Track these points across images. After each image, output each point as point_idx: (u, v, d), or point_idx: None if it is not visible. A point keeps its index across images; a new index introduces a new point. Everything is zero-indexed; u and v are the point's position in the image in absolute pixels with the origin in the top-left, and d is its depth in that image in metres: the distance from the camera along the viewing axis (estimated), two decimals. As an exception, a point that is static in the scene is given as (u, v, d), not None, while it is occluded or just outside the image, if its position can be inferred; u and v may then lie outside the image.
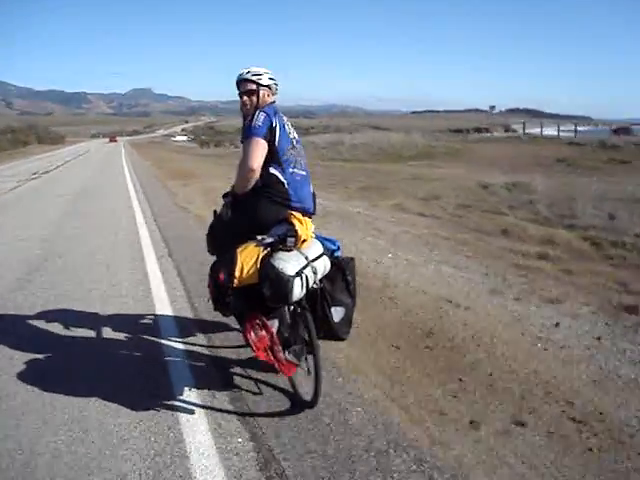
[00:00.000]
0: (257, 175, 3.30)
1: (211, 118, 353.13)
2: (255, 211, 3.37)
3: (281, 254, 3.14)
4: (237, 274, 3.11)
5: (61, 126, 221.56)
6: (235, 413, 3.41)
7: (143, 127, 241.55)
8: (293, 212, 3.32)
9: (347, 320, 3.48)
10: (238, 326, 3.79)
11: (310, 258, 3.22)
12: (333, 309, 3.38)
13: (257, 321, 3.15)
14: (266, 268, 3.07)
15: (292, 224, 3.24)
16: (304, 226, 3.29)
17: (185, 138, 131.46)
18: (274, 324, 3.21)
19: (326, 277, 3.43)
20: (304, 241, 3.28)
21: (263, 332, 3.12)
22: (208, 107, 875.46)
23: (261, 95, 3.50)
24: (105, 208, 13.26)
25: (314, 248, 3.34)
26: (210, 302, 3.56)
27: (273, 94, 3.60)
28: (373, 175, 20.78)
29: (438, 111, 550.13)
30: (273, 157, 3.31)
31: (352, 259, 3.60)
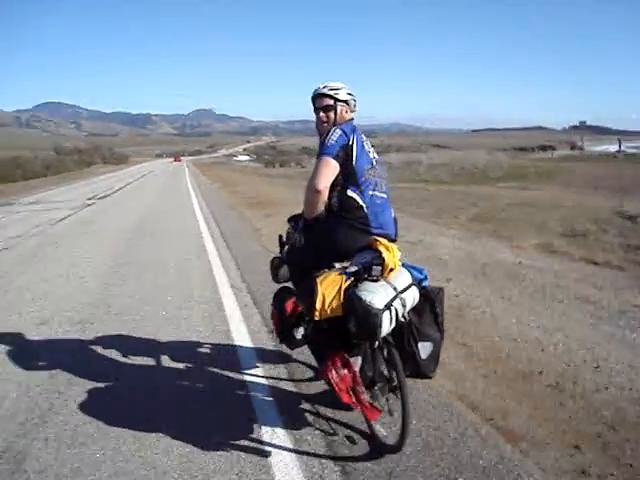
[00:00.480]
0: (324, 197, 3.04)
1: (272, 138, 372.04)
2: (332, 237, 3.07)
3: (367, 285, 2.85)
4: (318, 306, 2.83)
5: (126, 147, 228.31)
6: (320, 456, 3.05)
7: (205, 147, 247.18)
8: (378, 238, 3.01)
9: (434, 356, 3.06)
10: (312, 361, 3.59)
11: (399, 289, 2.89)
12: (420, 344, 3.00)
13: (338, 358, 2.87)
14: (351, 300, 2.77)
15: (378, 251, 2.94)
16: (391, 253, 2.95)
17: (247, 158, 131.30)
18: (357, 362, 2.96)
19: (413, 309, 3.05)
20: (391, 270, 2.95)
21: (345, 371, 2.84)
22: (268, 127, 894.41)
23: (339, 111, 3.24)
24: (170, 254, 9.47)
25: (402, 278, 2.99)
26: (274, 334, 3.63)
27: (352, 110, 3.33)
28: (470, 199, 18.33)
29: (498, 129, 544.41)
30: (350, 178, 3.03)
31: (441, 289, 3.16)
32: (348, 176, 3.03)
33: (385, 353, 2.99)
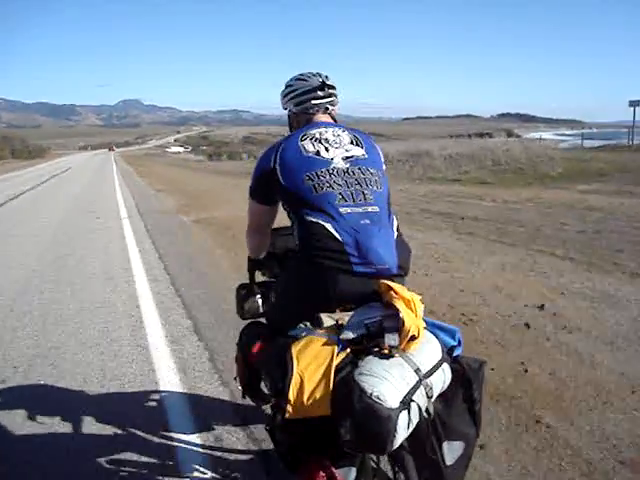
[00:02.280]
0: (258, 237, 2.51)
1: (203, 128, 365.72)
2: (298, 286, 2.08)
3: (374, 363, 1.68)
4: (292, 397, 1.65)
5: (50, 138, 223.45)
6: None
7: (134, 138, 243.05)
8: (390, 284, 1.83)
9: (464, 461, 1.91)
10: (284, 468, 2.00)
11: (423, 370, 1.72)
12: (446, 445, 1.85)
13: (321, 472, 1.80)
14: (348, 392, 1.61)
15: (391, 306, 1.75)
16: (413, 310, 1.75)
17: (181, 149, 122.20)
18: (349, 475, 1.86)
19: (440, 394, 1.87)
20: (413, 338, 1.73)
21: None
22: (198, 117, 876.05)
23: (290, 122, 2.52)
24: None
25: (429, 351, 1.80)
26: (237, 383, 2.77)
27: (286, 109, 2.50)
28: (589, 219, 10.16)
29: (430, 117, 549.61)
30: (294, 201, 2.09)
31: (482, 363, 1.96)
32: (290, 201, 2.11)
33: (392, 460, 1.94)
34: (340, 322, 1.84)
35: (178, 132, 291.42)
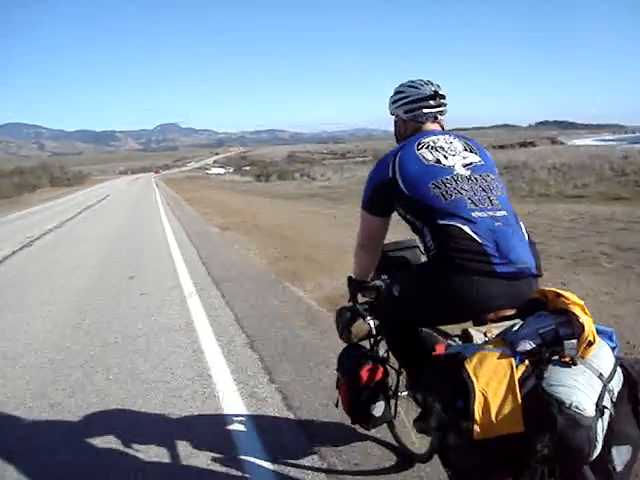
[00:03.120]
0: (370, 253, 2.49)
1: (240, 148, 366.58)
2: (432, 290, 2.04)
3: (559, 373, 1.60)
4: (478, 417, 1.57)
5: (90, 164, 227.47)
6: None
7: (173, 161, 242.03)
8: (557, 290, 1.76)
9: (631, 465, 1.75)
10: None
11: (605, 375, 1.65)
12: (615, 450, 1.69)
13: None
14: (543, 406, 1.53)
15: (563, 312, 1.69)
16: (588, 315, 1.68)
17: (222, 170, 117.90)
18: None
19: None
20: (590, 344, 1.64)
21: None
22: (234, 138, 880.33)
23: (398, 128, 2.51)
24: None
25: (604, 354, 1.72)
26: (339, 406, 2.78)
27: (406, 119, 2.43)
28: None
29: (467, 128, 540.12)
30: (424, 212, 2.09)
31: None
32: (417, 210, 2.11)
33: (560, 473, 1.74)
34: (489, 335, 1.82)
35: (216, 153, 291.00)
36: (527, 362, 1.64)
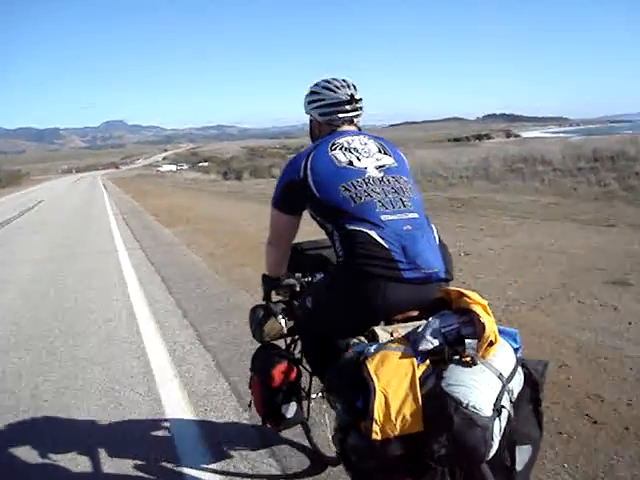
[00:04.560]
0: (279, 250, 2.42)
1: (190, 145, 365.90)
2: (341, 294, 2.00)
3: (459, 372, 1.59)
4: (378, 417, 1.55)
5: (34, 163, 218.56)
6: None
7: (120, 159, 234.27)
8: (461, 289, 1.78)
9: (531, 465, 1.83)
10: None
11: (505, 375, 1.65)
12: (517, 450, 1.74)
13: None
14: (441, 406, 1.52)
15: (466, 312, 1.70)
16: (490, 315, 1.70)
17: (174, 167, 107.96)
18: None
19: None
20: (491, 344, 1.67)
21: None
22: (182, 135, 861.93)
23: (310, 129, 2.47)
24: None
25: (505, 355, 1.73)
26: (251, 408, 2.79)
27: (316, 120, 2.38)
28: None
29: (417, 122, 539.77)
30: (333, 214, 2.04)
31: (545, 364, 1.89)
32: (327, 213, 2.07)
33: (461, 473, 1.78)
34: (395, 335, 1.78)
35: (165, 150, 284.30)
36: (428, 361, 1.62)
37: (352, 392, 1.62)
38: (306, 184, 2.07)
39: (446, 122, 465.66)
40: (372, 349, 1.68)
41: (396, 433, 1.54)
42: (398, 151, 2.27)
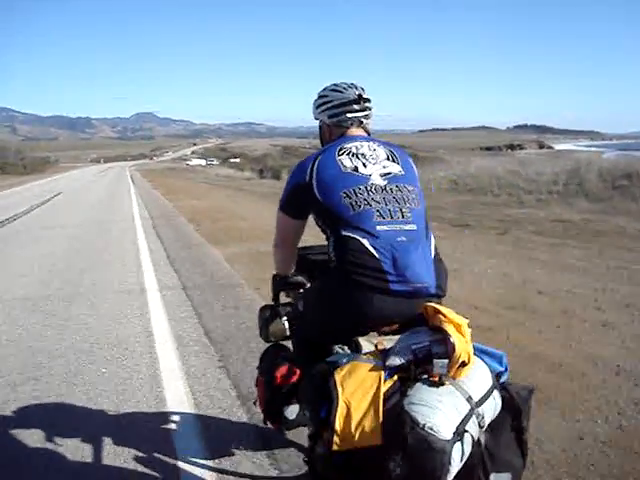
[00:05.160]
0: (285, 251, 2.40)
1: (219, 140, 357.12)
2: (332, 302, 1.98)
3: (423, 392, 1.58)
4: (339, 428, 1.55)
5: (64, 151, 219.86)
6: None
7: (149, 151, 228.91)
8: (437, 305, 1.74)
9: None
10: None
11: (475, 398, 1.60)
12: (493, 477, 1.69)
13: None
14: (399, 424, 1.51)
15: (439, 330, 1.66)
16: (463, 334, 1.63)
17: (203, 162, 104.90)
18: None
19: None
20: (463, 365, 1.63)
21: None
22: (211, 130, 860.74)
23: (322, 132, 2.41)
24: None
25: (479, 377, 1.69)
26: (257, 406, 2.78)
27: (333, 125, 2.31)
28: None
29: (446, 129, 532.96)
30: (333, 218, 2.03)
31: (531, 391, 1.85)
32: (327, 218, 2.06)
33: None
34: (380, 347, 1.76)
35: (194, 144, 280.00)
36: (396, 377, 1.61)
37: (318, 401, 1.64)
38: (311, 188, 2.05)
39: (475, 131, 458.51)
40: (345, 360, 1.70)
41: (355, 445, 1.53)
42: (408, 159, 2.22)
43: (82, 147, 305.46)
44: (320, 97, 2.32)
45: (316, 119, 2.38)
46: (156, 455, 3.03)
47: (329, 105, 2.27)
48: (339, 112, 2.25)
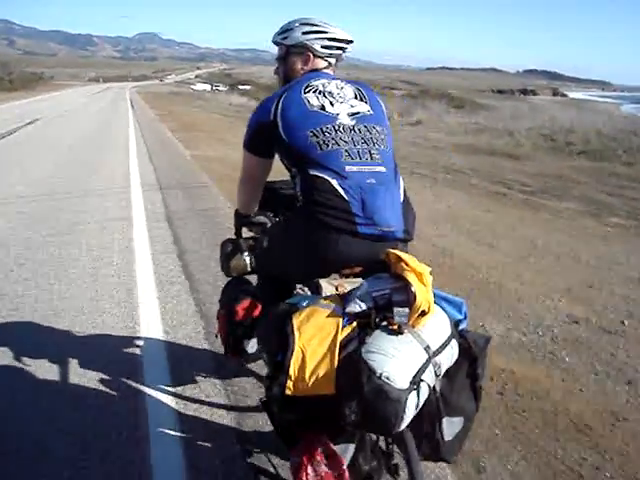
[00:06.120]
0: (250, 190, 2.36)
1: (223, 65, 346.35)
2: (297, 241, 1.95)
3: (382, 340, 1.55)
4: (293, 374, 1.55)
5: (63, 67, 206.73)
6: None
7: (152, 72, 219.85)
8: (400, 253, 1.69)
9: (463, 435, 1.85)
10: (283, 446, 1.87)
11: (432, 348, 1.61)
12: (446, 421, 1.77)
13: (318, 449, 1.70)
14: (355, 371, 1.50)
15: (400, 278, 1.64)
16: (424, 283, 1.62)
17: (208, 87, 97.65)
18: (347, 452, 1.77)
19: None
20: (423, 314, 1.62)
21: (326, 469, 1.68)
22: (216, 54, 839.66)
23: (290, 63, 2.24)
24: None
25: (438, 327, 1.68)
26: (219, 339, 2.79)
27: (319, 56, 2.21)
28: None
29: (454, 68, 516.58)
30: (299, 158, 1.95)
31: (488, 339, 1.86)
32: (293, 157, 1.98)
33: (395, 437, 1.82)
34: (340, 289, 1.71)
35: (198, 68, 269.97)
36: (355, 324, 1.59)
37: (276, 344, 1.60)
38: (275, 127, 1.97)
39: (484, 72, 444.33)
40: (304, 303, 1.67)
41: (308, 392, 1.53)
42: (377, 98, 2.14)
43: (82, 65, 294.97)
44: (311, 24, 2.17)
45: (292, 45, 2.17)
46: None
47: (325, 35, 2.17)
48: (333, 46, 2.19)
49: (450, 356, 1.65)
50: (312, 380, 1.50)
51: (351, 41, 2.21)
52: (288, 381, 1.51)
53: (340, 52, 2.21)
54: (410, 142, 15.57)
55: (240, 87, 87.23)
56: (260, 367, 2.98)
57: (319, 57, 2.16)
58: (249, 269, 2.54)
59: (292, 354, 1.51)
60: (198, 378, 3.08)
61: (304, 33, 2.15)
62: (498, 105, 44.91)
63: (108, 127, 19.36)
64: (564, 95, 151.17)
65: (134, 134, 16.27)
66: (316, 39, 2.15)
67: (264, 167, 2.19)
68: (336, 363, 1.50)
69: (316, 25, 2.16)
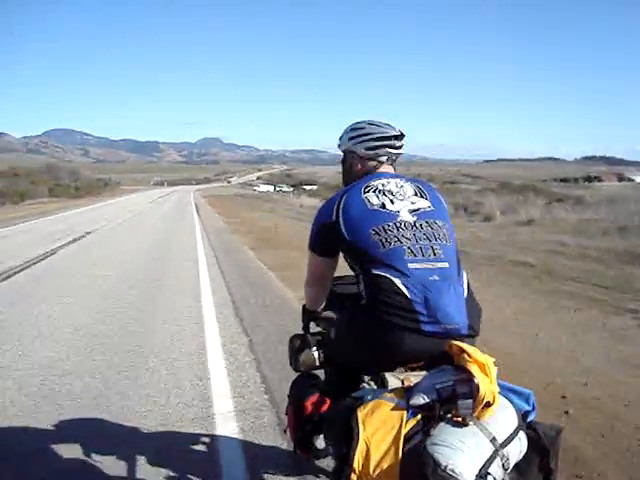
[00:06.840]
0: (317, 290, 2.37)
1: (283, 166, 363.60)
2: (360, 340, 1.94)
3: (446, 432, 1.53)
4: (357, 466, 1.53)
5: (131, 173, 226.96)
6: None
7: (214, 175, 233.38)
8: (462, 344, 1.67)
9: None
10: None
11: (499, 440, 1.56)
12: None
13: None
14: (420, 464, 1.48)
15: (463, 370, 1.61)
16: (488, 376, 1.58)
17: (271, 188, 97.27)
18: None
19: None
20: (488, 405, 1.58)
21: None
22: (275, 156, 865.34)
23: (347, 166, 2.33)
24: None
25: (504, 418, 1.63)
26: (287, 434, 2.80)
27: (368, 158, 2.25)
28: None
29: (513, 160, 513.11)
30: (361, 257, 1.97)
31: (559, 431, 1.77)
32: (356, 256, 2.00)
33: None
34: (406, 383, 1.70)
35: (259, 170, 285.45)
36: (419, 417, 1.57)
37: (341, 437, 1.60)
38: (338, 227, 2.02)
39: (541, 162, 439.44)
40: (369, 397, 1.67)
41: None
42: (437, 193, 2.17)
43: (147, 170, 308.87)
44: (356, 129, 2.27)
45: (344, 151, 2.31)
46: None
47: (367, 138, 2.22)
48: (378, 145, 2.21)
49: (519, 448, 1.60)
50: (376, 473, 1.48)
51: (401, 135, 2.22)
52: (352, 474, 1.50)
53: (390, 150, 2.21)
54: (544, 250, 12.40)
55: (306, 187, 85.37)
56: (330, 463, 2.65)
57: (367, 159, 2.20)
58: (317, 364, 2.49)
59: (356, 447, 1.50)
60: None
61: (350, 139, 2.25)
62: (583, 194, 40.05)
63: (168, 245, 14.72)
64: (630, 180, 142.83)
65: (204, 260, 11.61)
66: (360, 142, 2.21)
67: (329, 266, 2.19)
68: (400, 456, 1.48)
69: (360, 129, 2.23)
